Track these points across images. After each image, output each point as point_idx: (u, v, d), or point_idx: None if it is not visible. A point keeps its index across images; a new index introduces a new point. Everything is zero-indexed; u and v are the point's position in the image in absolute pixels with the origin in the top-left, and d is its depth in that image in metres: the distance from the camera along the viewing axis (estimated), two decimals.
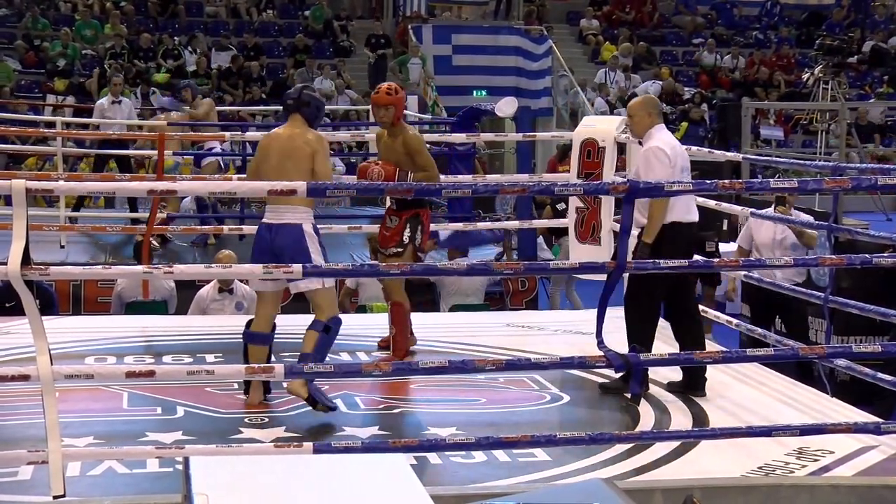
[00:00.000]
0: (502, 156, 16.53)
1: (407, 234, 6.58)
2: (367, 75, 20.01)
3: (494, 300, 9.62)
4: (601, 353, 4.62)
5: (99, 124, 11.91)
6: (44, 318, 4.27)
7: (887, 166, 7.61)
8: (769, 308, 8.41)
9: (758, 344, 6.69)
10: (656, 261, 4.95)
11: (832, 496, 4.52)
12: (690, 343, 5.95)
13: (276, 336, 5.90)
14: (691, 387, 5.99)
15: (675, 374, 6.11)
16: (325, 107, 11.20)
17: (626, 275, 5.42)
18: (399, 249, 6.59)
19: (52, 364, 4.16)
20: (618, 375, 5.83)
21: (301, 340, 5.74)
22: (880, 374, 5.23)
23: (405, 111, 6.86)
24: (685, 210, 5.93)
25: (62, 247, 10.40)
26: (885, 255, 5.95)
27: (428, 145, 6.86)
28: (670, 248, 5.60)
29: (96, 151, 11.97)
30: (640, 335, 5.84)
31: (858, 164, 8.55)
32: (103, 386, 5.84)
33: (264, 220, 5.71)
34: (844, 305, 6.14)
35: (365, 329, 7.61)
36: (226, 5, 22.43)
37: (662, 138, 5.99)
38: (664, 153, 5.88)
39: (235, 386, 5.97)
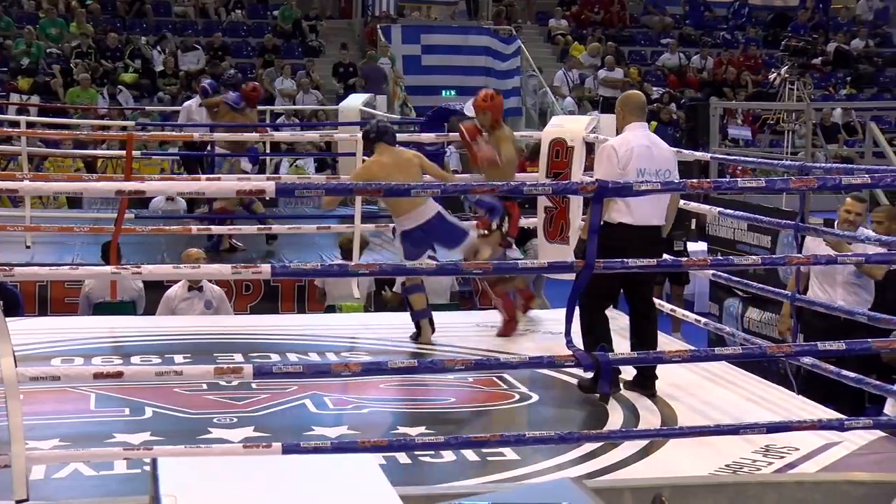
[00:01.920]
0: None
1: (496, 221, 7.23)
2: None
3: (464, 300, 9.62)
4: (570, 353, 4.63)
5: (182, 126, 11.96)
6: (8, 319, 4.23)
7: (851, 166, 7.67)
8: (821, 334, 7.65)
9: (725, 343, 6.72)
10: (625, 260, 4.96)
11: (797, 493, 4.55)
12: (639, 343, 5.93)
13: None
14: (639, 384, 5.96)
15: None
16: (289, 106, 11.08)
17: None
18: (485, 232, 7.22)
19: (16, 366, 4.13)
20: (590, 375, 5.83)
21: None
22: (844, 372, 5.26)
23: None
24: (637, 212, 5.80)
25: (28, 247, 10.30)
26: (849, 254, 6.00)
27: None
28: (608, 250, 5.25)
29: (63, 152, 11.87)
30: (592, 334, 5.80)
31: (824, 164, 8.60)
32: (70, 387, 5.79)
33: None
34: (811, 304, 6.19)
35: (334, 329, 7.61)
36: (194, 5, 22.31)
37: (623, 137, 5.96)
38: (614, 152, 5.86)
39: (204, 386, 5.94)
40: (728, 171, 14.79)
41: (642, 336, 6.00)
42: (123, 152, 10.09)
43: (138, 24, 21.36)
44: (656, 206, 5.91)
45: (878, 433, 5.19)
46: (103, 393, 5.80)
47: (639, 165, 5.85)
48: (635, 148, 5.88)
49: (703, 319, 7.31)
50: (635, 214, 5.82)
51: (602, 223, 5.64)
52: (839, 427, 4.85)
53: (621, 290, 6.09)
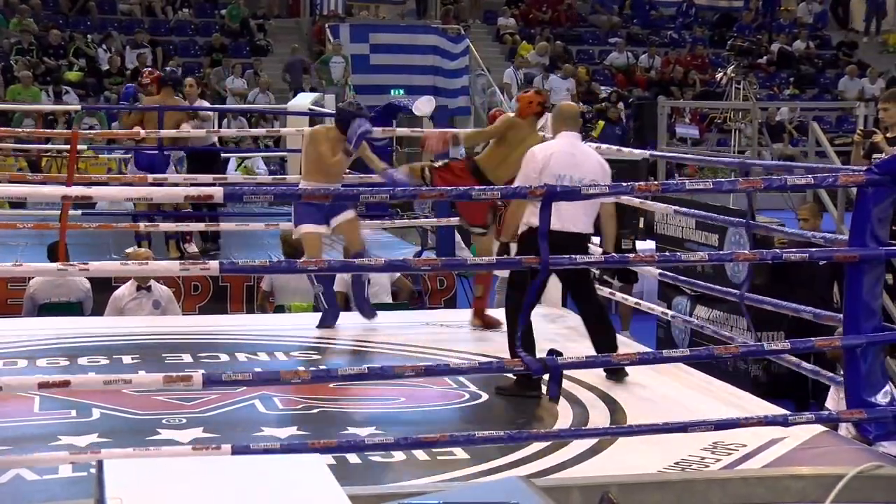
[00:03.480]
0: (420, 155, 16.54)
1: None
2: None
3: (413, 298, 9.62)
4: (519, 357, 4.65)
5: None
6: None
7: (793, 164, 7.75)
8: None
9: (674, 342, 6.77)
10: (572, 256, 5.01)
11: (742, 488, 4.60)
12: (596, 342, 6.14)
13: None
14: (612, 371, 6.16)
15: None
16: (241, 105, 10.93)
17: None
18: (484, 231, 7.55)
19: None
20: (512, 378, 5.90)
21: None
22: (804, 364, 5.33)
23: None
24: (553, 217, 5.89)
25: None
26: (793, 250, 6.07)
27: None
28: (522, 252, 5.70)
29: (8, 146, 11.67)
30: (511, 330, 5.97)
31: (765, 161, 8.69)
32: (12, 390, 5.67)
33: None
34: (759, 302, 6.26)
35: (284, 329, 7.57)
36: (140, 3, 22.10)
37: (548, 143, 6.26)
38: (533, 157, 6.09)
39: (153, 387, 5.87)
40: (675, 171, 14.93)
41: (596, 335, 6.19)
42: (68, 146, 9.92)
43: (82, 22, 21.10)
44: (574, 213, 5.95)
45: (821, 427, 5.27)
46: (48, 395, 5.70)
47: (557, 171, 6.00)
48: (555, 154, 6.07)
49: (658, 308, 7.36)
50: (568, 221, 5.93)
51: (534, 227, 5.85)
52: (783, 423, 4.91)
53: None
